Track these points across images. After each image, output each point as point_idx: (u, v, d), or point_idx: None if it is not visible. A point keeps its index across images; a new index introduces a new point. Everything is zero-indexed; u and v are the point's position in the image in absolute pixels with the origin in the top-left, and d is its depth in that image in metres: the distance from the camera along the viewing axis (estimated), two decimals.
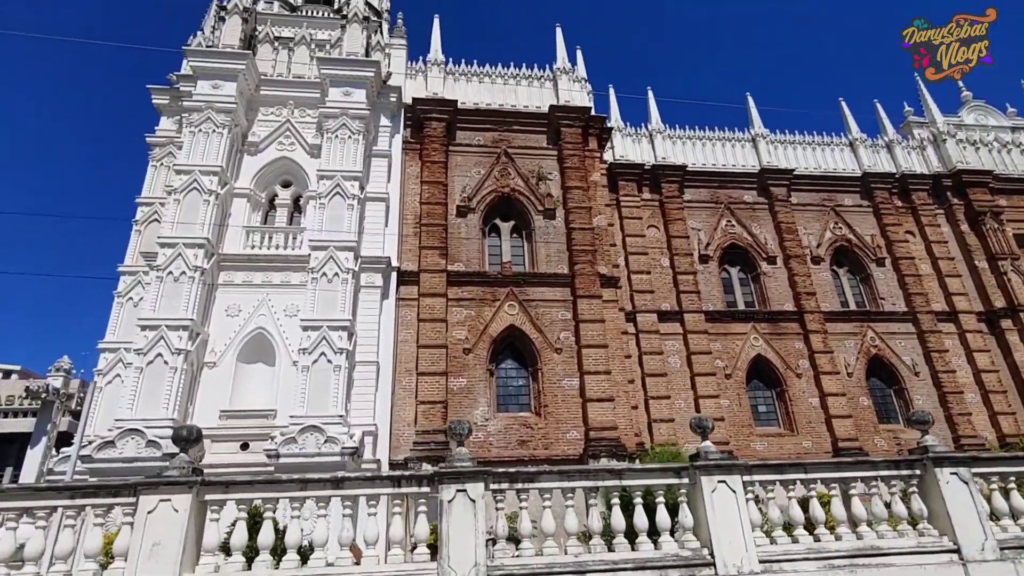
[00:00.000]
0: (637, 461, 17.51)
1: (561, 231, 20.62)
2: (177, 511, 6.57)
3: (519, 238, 21.15)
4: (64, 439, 36.82)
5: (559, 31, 24.04)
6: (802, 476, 7.73)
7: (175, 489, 6.65)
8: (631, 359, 20.55)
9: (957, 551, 7.30)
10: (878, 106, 28.68)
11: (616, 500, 7.40)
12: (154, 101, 20.22)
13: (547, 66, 23.61)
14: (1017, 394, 22.96)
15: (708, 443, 7.75)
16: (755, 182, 25.46)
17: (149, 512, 6.53)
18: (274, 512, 7.03)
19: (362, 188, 18.25)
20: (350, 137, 18.46)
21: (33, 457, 11.69)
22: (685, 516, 7.36)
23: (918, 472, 7.87)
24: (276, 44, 20.78)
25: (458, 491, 6.98)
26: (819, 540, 7.38)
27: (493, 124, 21.91)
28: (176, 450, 13.92)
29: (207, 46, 19.43)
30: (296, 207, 19.11)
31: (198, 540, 6.73)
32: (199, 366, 16.01)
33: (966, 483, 7.68)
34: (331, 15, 22.10)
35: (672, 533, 7.43)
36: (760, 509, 7.54)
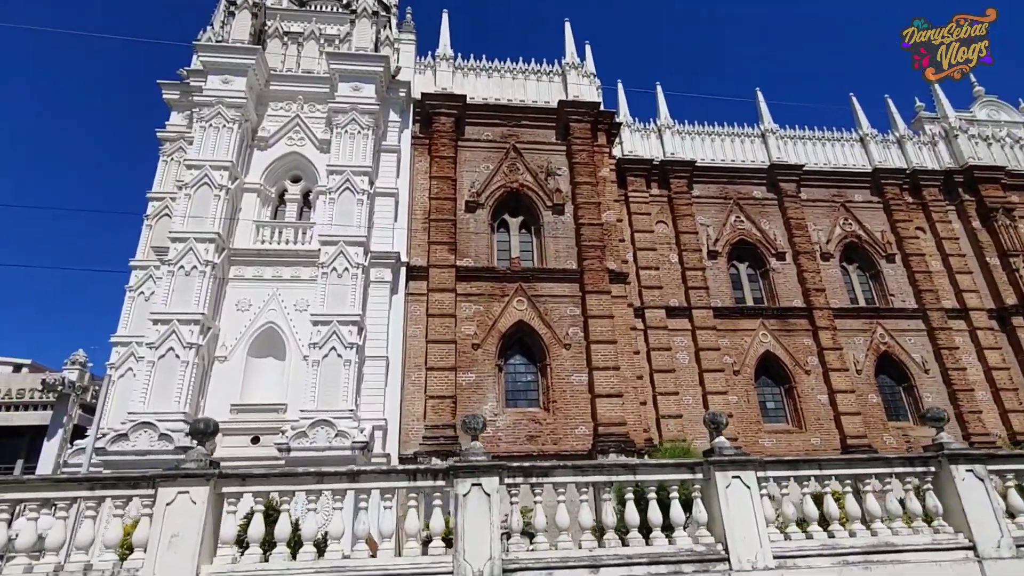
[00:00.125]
0: (646, 457, 17.53)
1: (570, 226, 20.60)
2: (195, 503, 6.62)
3: (528, 233, 21.14)
4: (77, 432, 37.17)
5: (568, 26, 23.96)
6: (816, 472, 7.72)
7: (193, 481, 6.70)
8: (639, 355, 20.54)
9: (973, 548, 7.29)
10: (889, 101, 28.50)
11: (630, 495, 7.42)
12: (164, 96, 20.28)
13: (556, 61, 23.55)
14: None
15: (722, 439, 7.75)
16: (764, 178, 25.35)
17: (168, 504, 6.59)
18: (290, 505, 7.08)
19: (371, 183, 18.27)
20: (359, 132, 18.48)
21: (49, 449, 11.77)
22: (699, 511, 7.37)
23: (933, 469, 7.85)
24: (285, 39, 20.78)
25: (473, 485, 7.01)
26: (833, 536, 7.37)
27: (502, 119, 21.89)
28: (188, 443, 14.10)
29: (217, 41, 19.45)
30: (306, 202, 19.16)
31: (215, 532, 6.79)
32: (210, 360, 16.09)
33: (982, 480, 7.65)
34: (340, 10, 22.05)
35: (685, 528, 7.44)
36: (774, 505, 7.53)
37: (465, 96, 21.58)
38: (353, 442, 14.54)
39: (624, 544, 7.17)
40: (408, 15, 23.18)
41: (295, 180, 19.17)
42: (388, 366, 17.16)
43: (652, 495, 7.42)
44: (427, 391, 17.55)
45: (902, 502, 7.76)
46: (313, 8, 21.83)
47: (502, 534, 7.02)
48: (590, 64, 23.58)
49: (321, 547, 7.10)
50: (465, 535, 6.78)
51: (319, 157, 18.82)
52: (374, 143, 18.86)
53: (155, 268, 17.33)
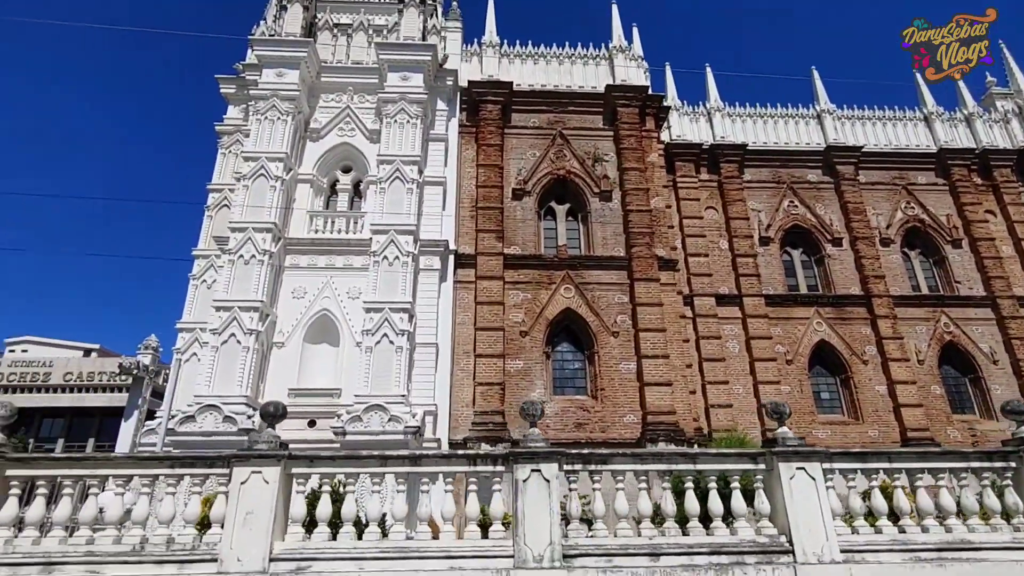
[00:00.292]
0: (696, 446, 17.32)
1: (618, 213, 20.36)
2: (267, 483, 6.90)
3: (574, 221, 21.01)
4: (148, 416, 39.12)
5: (615, 9, 23.52)
6: (885, 465, 7.47)
7: (265, 462, 6.97)
8: (688, 343, 20.24)
9: None
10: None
11: (690, 484, 7.35)
12: (222, 90, 20.93)
13: (603, 45, 23.18)
14: None
15: (785, 429, 7.58)
16: (820, 160, 24.43)
17: (242, 483, 6.88)
18: (355, 486, 7.30)
19: (420, 172, 18.47)
20: (408, 122, 18.66)
21: (126, 430, 12.51)
22: (762, 502, 7.24)
23: (1013, 465, 7.49)
24: (335, 31, 21.10)
25: (532, 471, 7.06)
26: (904, 531, 7.14)
27: (548, 105, 21.73)
28: (250, 425, 14.67)
29: (270, 35, 19.91)
30: (356, 191, 19.51)
31: (286, 511, 7.07)
32: (268, 346, 16.68)
33: None
34: (387, 0, 22.22)
35: (746, 519, 7.33)
36: (840, 498, 7.34)
37: (511, 83, 21.50)
38: (406, 427, 14.87)
39: (684, 533, 7.12)
40: (454, 3, 23.19)
41: (346, 170, 19.53)
42: (438, 353, 17.42)
43: (713, 484, 7.33)
44: (476, 378, 17.76)
45: (979, 498, 7.44)
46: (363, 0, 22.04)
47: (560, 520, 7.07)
48: (638, 47, 23.12)
49: (383, 528, 7.31)
50: (525, 520, 6.86)
51: (369, 147, 19.12)
52: (422, 132, 19.03)
53: (216, 257, 18.02)
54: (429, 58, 19.54)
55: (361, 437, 14.64)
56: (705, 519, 7.34)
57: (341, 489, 7.46)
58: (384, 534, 7.15)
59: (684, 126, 24.71)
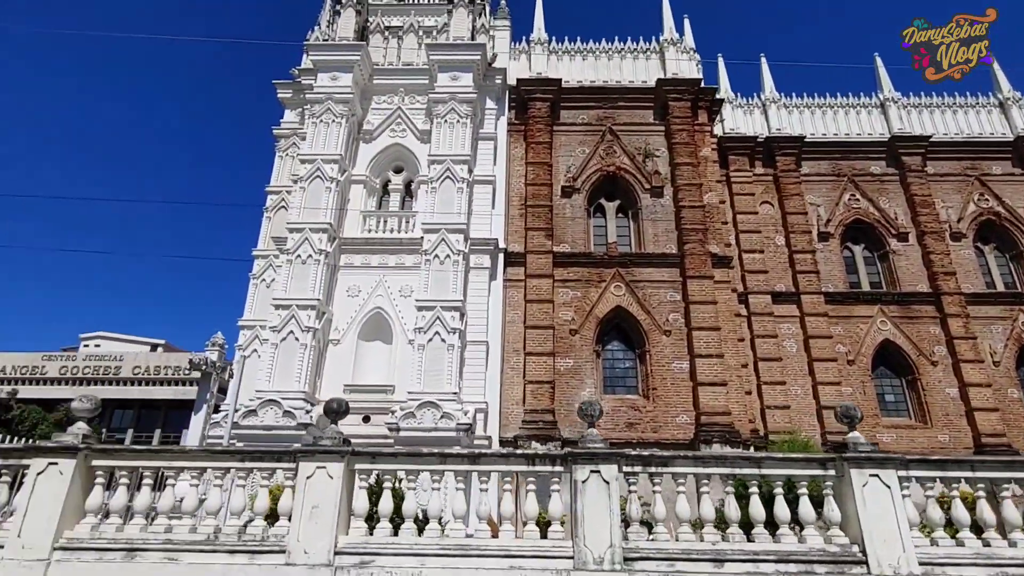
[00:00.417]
0: (752, 448, 16.87)
1: (669, 209, 19.98)
2: (332, 478, 7.08)
3: (624, 217, 20.75)
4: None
5: (665, 1, 23.02)
6: (968, 474, 7.05)
7: (329, 457, 7.16)
8: (743, 342, 19.69)
9: None
10: None
11: (754, 489, 7.13)
12: (279, 95, 21.61)
13: (653, 38, 22.77)
14: None
15: (856, 434, 7.27)
16: (884, 151, 23.32)
17: (308, 478, 7.08)
18: (415, 483, 7.40)
19: (470, 171, 18.61)
20: (458, 121, 18.82)
21: (196, 423, 13.12)
22: (831, 510, 6.96)
23: None
24: (386, 33, 21.45)
25: (592, 472, 7.01)
26: (989, 545, 6.73)
27: (597, 101, 21.51)
28: (308, 420, 15.10)
29: (324, 40, 20.43)
30: (407, 191, 19.80)
31: (349, 505, 7.24)
32: (324, 343, 17.14)
33: None
34: (436, 1, 22.43)
35: (814, 527, 7.07)
36: (917, 507, 6.99)
37: (560, 80, 21.38)
38: (458, 424, 15.03)
39: (749, 539, 6.92)
40: (502, 1, 23.21)
41: (397, 171, 19.86)
42: (488, 351, 17.51)
43: (779, 490, 7.09)
44: (526, 376, 17.78)
45: None
46: (412, 1, 22.36)
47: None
48: (689, 39, 22.61)
49: (442, 525, 7.38)
50: (585, 521, 6.81)
51: (420, 147, 19.38)
52: (472, 131, 19.15)
53: (275, 257, 18.64)
54: (478, 57, 19.63)
55: (414, 433, 14.89)
56: (770, 526, 7.12)
57: (397, 484, 7.57)
58: (443, 531, 7.24)
59: (737, 119, 24.01)
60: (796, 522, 7.15)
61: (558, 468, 7.27)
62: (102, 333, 59.29)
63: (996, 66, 24.74)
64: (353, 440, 14.12)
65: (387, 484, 7.40)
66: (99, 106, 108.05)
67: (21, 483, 7.28)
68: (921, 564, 6.51)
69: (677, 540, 6.95)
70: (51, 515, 6.89)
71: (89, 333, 59.32)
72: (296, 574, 6.64)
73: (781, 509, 7.02)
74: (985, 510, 6.91)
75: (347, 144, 18.90)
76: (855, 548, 6.72)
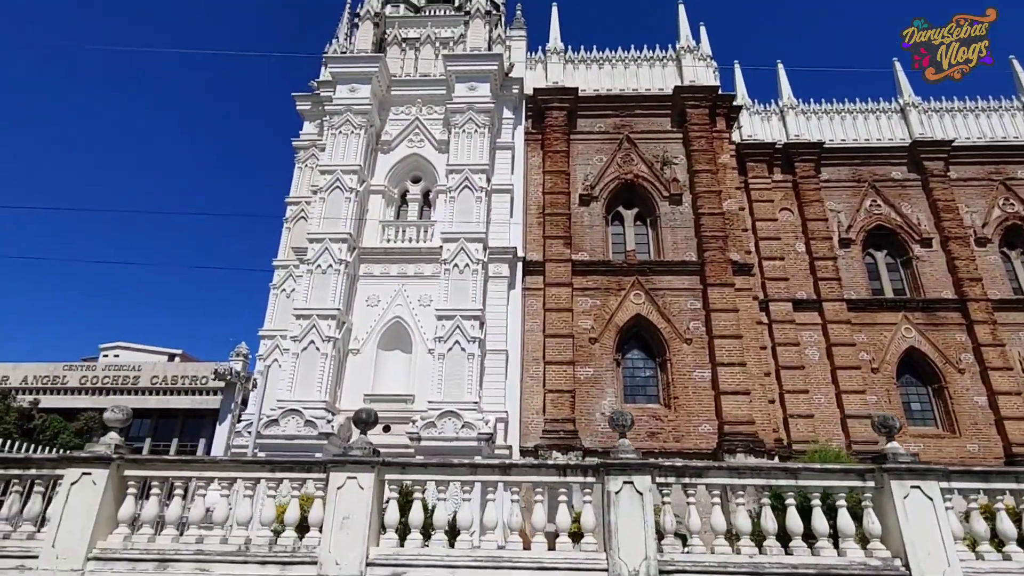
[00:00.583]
0: (776, 458, 16.61)
1: (688, 217, 19.86)
2: (363, 488, 7.04)
3: (643, 225, 20.64)
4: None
5: (682, 8, 23.02)
6: (1013, 486, 6.87)
7: (360, 468, 7.12)
8: (765, 351, 19.45)
9: None
10: None
11: (791, 500, 6.99)
12: (298, 107, 21.84)
13: (669, 45, 22.75)
14: None
15: (895, 444, 7.11)
16: (905, 157, 23.05)
17: (339, 488, 7.06)
18: (446, 494, 7.34)
19: (488, 180, 18.64)
20: (476, 131, 18.88)
21: (221, 432, 13.19)
22: (871, 522, 6.80)
23: None
24: (403, 45, 21.63)
25: (625, 483, 6.91)
26: None
27: (614, 110, 21.49)
28: (329, 430, 15.06)
29: (342, 52, 20.64)
30: (425, 201, 19.87)
31: (379, 516, 7.19)
32: (345, 352, 17.17)
33: None
34: (452, 13, 22.64)
35: (854, 540, 6.90)
36: (959, 519, 6.81)
37: (576, 89, 21.40)
38: (479, 433, 14.95)
39: (787, 552, 6.77)
40: (518, 11, 23.36)
41: (415, 180, 19.94)
42: (507, 360, 17.46)
43: (817, 502, 6.95)
44: (545, 385, 17.66)
45: None
46: (428, 13, 22.58)
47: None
48: (706, 46, 22.56)
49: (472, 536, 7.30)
50: (619, 533, 6.71)
51: (438, 157, 19.46)
52: (490, 141, 19.20)
53: (294, 267, 18.76)
54: (495, 68, 19.72)
55: (436, 443, 14.83)
56: (806, 538, 6.97)
57: (420, 494, 7.50)
58: (474, 542, 7.16)
59: (755, 125, 23.88)
60: (835, 535, 6.99)
61: (590, 479, 7.17)
62: (121, 343, 60.00)
63: (1019, 68, 24.46)
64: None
65: (416, 495, 7.36)
66: (113, 116, 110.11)
67: (54, 493, 7.33)
68: None
69: (713, 552, 6.83)
70: (85, 525, 6.92)
71: (108, 343, 60.06)
72: None
73: (819, 521, 6.88)
74: None
75: (366, 155, 19.03)
76: (897, 562, 6.55)
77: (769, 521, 6.95)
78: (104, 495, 7.07)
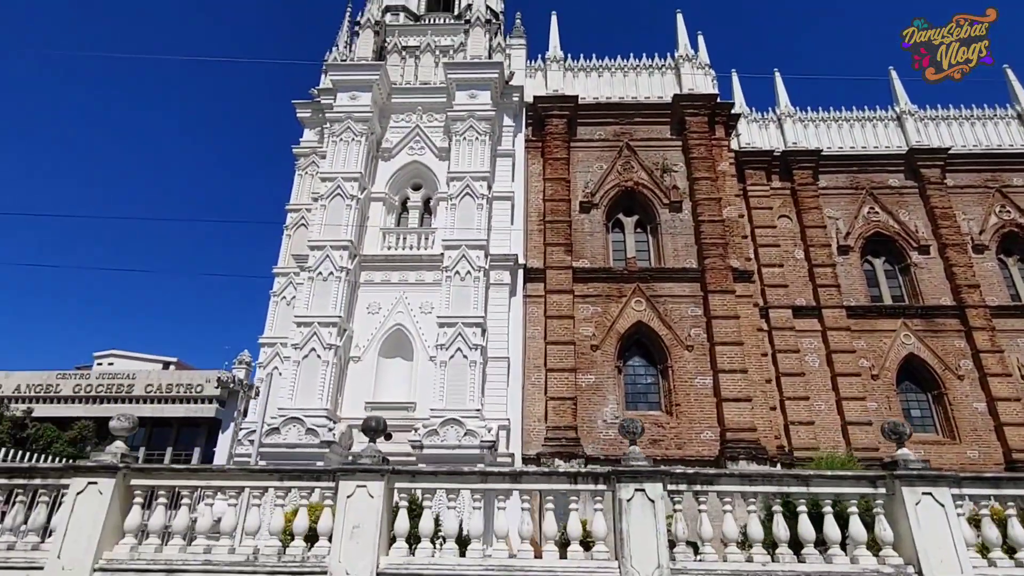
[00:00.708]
0: (779, 465, 16.62)
1: (688, 224, 19.94)
2: (372, 497, 6.99)
3: (643, 233, 20.70)
4: (216, 425, 40.91)
5: (680, 17, 23.21)
6: (1023, 492, 6.89)
7: (370, 476, 7.08)
8: (766, 357, 19.48)
9: None
10: None
11: (802, 507, 6.98)
12: (298, 115, 21.83)
13: (668, 54, 22.91)
14: None
15: (906, 450, 7.13)
16: (902, 164, 23.24)
17: (348, 496, 7.00)
18: (456, 502, 7.29)
19: (489, 187, 18.64)
20: (477, 138, 18.91)
21: (224, 441, 13.09)
22: (883, 529, 6.80)
23: None
24: (403, 53, 21.68)
25: (636, 490, 6.89)
26: None
27: (614, 117, 21.60)
28: (331, 438, 14.95)
29: (342, 60, 20.66)
30: (426, 208, 19.86)
31: (389, 525, 7.13)
32: (346, 360, 17.08)
33: None
34: (452, 21, 22.73)
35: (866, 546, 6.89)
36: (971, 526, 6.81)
37: (576, 96, 21.51)
38: (481, 441, 14.88)
39: (800, 560, 6.75)
40: (517, 20, 23.51)
41: (416, 188, 19.93)
42: (509, 367, 17.41)
43: (828, 508, 6.94)
44: (547, 392, 17.63)
45: None
46: (428, 22, 22.66)
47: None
48: (704, 55, 22.74)
49: (465, 543, 7.26)
50: (631, 541, 6.68)
51: (438, 165, 19.47)
52: (490, 148, 19.22)
53: (295, 274, 18.68)
54: (496, 76, 19.79)
55: (438, 451, 14.75)
56: (818, 545, 6.96)
57: (429, 502, 7.45)
58: (484, 551, 7.11)
59: (753, 133, 24.03)
60: (846, 542, 6.98)
61: (601, 486, 7.15)
62: (115, 351, 59.60)
63: (1013, 77, 24.74)
64: None
65: (426, 503, 7.30)
66: (111, 121, 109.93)
67: (59, 503, 7.25)
68: None
69: (726, 560, 6.80)
70: (91, 535, 6.84)
71: (102, 351, 59.66)
72: None
73: (831, 528, 6.87)
74: None
75: (367, 162, 19.02)
76: (910, 569, 6.54)
77: (782, 528, 6.94)
78: (110, 505, 7.00)
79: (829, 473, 7.23)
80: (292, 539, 7.12)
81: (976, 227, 22.22)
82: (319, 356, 16.18)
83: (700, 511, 7.09)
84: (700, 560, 6.81)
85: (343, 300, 17.01)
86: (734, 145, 23.14)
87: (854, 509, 6.95)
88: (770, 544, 7.06)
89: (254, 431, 14.03)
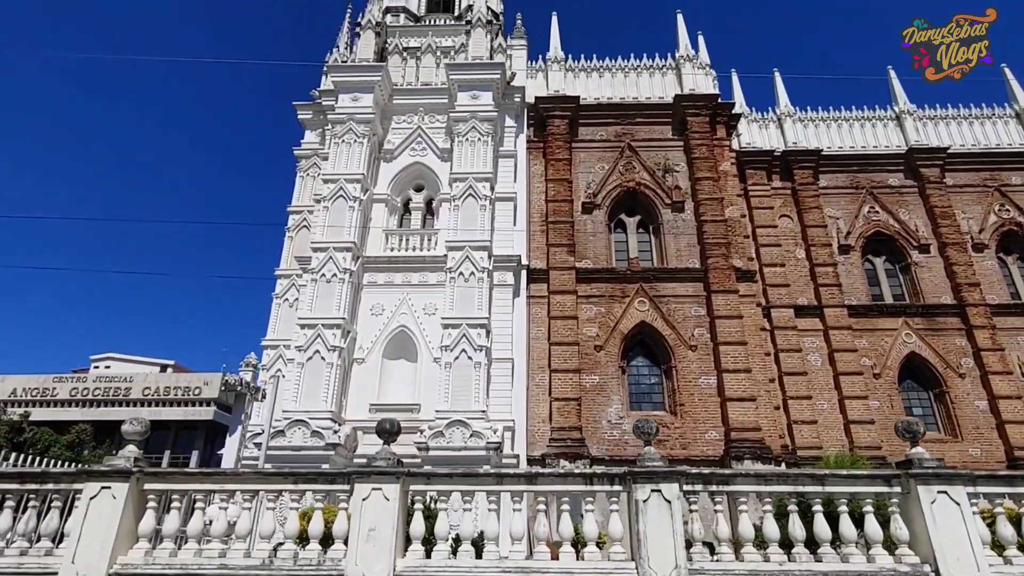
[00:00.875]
0: (783, 464, 16.65)
1: (691, 224, 19.97)
2: (388, 499, 6.97)
3: (645, 233, 20.73)
4: (219, 429, 40.77)
5: (680, 17, 23.26)
6: None
7: (385, 479, 7.05)
8: (769, 357, 19.53)
9: None
10: None
11: (818, 507, 6.99)
12: (299, 116, 21.77)
13: (668, 54, 22.96)
14: None
15: (920, 449, 7.14)
16: (902, 163, 23.33)
17: (364, 499, 6.97)
18: (472, 504, 7.28)
19: (492, 188, 18.64)
20: (479, 139, 18.91)
21: (231, 444, 13.05)
22: (899, 528, 6.81)
23: None
24: (404, 54, 21.67)
25: (652, 491, 6.89)
26: None
27: (616, 118, 21.62)
28: (336, 440, 14.90)
29: (343, 61, 20.64)
30: (428, 210, 19.83)
31: (405, 527, 7.11)
32: (350, 362, 17.05)
33: None
34: (452, 22, 22.75)
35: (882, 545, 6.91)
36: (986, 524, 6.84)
37: (578, 97, 21.53)
38: (487, 442, 14.87)
39: (817, 559, 6.76)
40: (518, 21, 23.51)
41: (418, 189, 19.90)
42: (513, 368, 17.39)
43: (844, 508, 6.95)
44: (551, 393, 17.63)
45: None
46: (429, 23, 22.66)
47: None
48: (704, 55, 22.79)
49: (479, 546, 7.25)
50: (648, 542, 6.68)
51: (440, 166, 19.46)
52: (493, 149, 19.22)
53: (297, 276, 18.63)
54: (498, 76, 19.79)
55: (444, 452, 14.74)
56: (836, 544, 6.97)
57: (434, 505, 7.43)
58: (500, 553, 7.10)
59: (753, 133, 24.09)
60: (861, 540, 7.00)
61: (617, 487, 7.14)
62: (112, 354, 59.18)
63: (1011, 76, 24.88)
64: None
65: (441, 506, 7.28)
66: (109, 122, 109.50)
67: (72, 508, 7.20)
68: None
69: (742, 560, 6.80)
70: (105, 540, 6.80)
71: (99, 354, 59.22)
72: None
73: (847, 527, 6.88)
74: None
75: (369, 163, 18.99)
76: (927, 568, 6.56)
77: (797, 528, 6.94)
78: (124, 509, 6.96)
79: (844, 472, 7.24)
80: (308, 542, 7.09)
81: (976, 226, 22.33)
82: (323, 358, 16.15)
83: (716, 511, 7.09)
84: (717, 560, 6.81)
85: (346, 302, 16.98)
86: (734, 145, 23.18)
87: (869, 508, 6.96)
88: (782, 544, 7.07)
89: (259, 434, 13.97)
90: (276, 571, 6.77)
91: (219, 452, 15.55)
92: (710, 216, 19.57)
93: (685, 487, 7.09)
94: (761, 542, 7.03)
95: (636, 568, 6.66)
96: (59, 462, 15.19)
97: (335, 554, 6.91)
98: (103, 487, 7.02)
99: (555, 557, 7.01)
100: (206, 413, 46.04)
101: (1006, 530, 6.76)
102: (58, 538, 7.14)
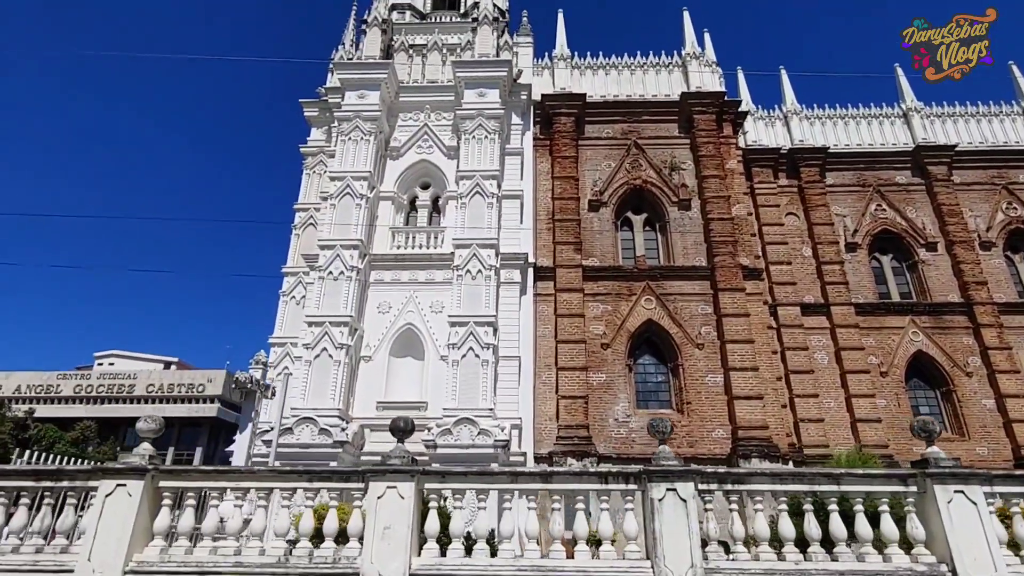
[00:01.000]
0: (791, 463, 16.64)
1: (697, 222, 19.93)
2: (403, 497, 6.97)
3: (652, 231, 20.70)
4: (229, 427, 40.95)
5: (686, 15, 23.18)
6: None
7: (400, 477, 7.05)
8: (776, 355, 19.49)
9: None
10: None
11: (834, 506, 6.98)
12: (305, 114, 21.75)
13: (675, 52, 22.88)
14: None
15: (935, 448, 7.12)
16: (909, 161, 23.25)
17: (379, 498, 6.97)
18: (486, 502, 7.27)
19: (499, 186, 18.60)
20: (486, 137, 18.87)
21: (242, 441, 13.06)
22: (915, 527, 6.79)
23: None
24: (411, 51, 21.63)
25: (668, 490, 6.88)
26: None
27: (622, 115, 21.57)
28: (343, 438, 14.90)
29: (349, 59, 20.60)
30: (435, 207, 19.81)
31: (420, 525, 7.11)
32: (357, 360, 17.05)
33: None
34: (458, 19, 22.69)
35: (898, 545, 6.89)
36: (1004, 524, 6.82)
37: (584, 95, 21.48)
38: (495, 440, 14.87)
39: (833, 558, 6.75)
40: (524, 18, 23.46)
41: (425, 187, 19.89)
42: (520, 366, 17.39)
43: (859, 507, 6.94)
44: (559, 391, 17.62)
45: None
46: (435, 20, 22.60)
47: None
48: (710, 53, 22.71)
49: (494, 545, 7.25)
50: (663, 540, 6.67)
51: (447, 163, 19.42)
52: (499, 147, 19.18)
53: (304, 274, 18.63)
54: (504, 74, 19.74)
55: (452, 450, 14.74)
56: (852, 543, 6.95)
57: (442, 503, 7.43)
58: (516, 551, 7.09)
59: (759, 131, 24.02)
60: (879, 540, 6.98)
61: (632, 486, 7.13)
62: (116, 351, 59.46)
63: (1018, 74, 24.76)
64: None
65: (456, 504, 7.28)
66: (115, 120, 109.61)
67: (87, 505, 7.21)
68: None
69: (758, 559, 6.79)
70: (120, 537, 6.81)
71: (103, 351, 59.53)
72: None
73: (863, 527, 6.86)
74: None
75: (375, 161, 18.97)
76: (943, 567, 6.54)
77: (813, 527, 6.93)
78: (139, 507, 6.97)
79: (860, 471, 7.22)
80: (322, 540, 7.09)
81: (983, 224, 22.25)
82: (331, 356, 16.16)
83: (731, 510, 7.08)
84: (733, 559, 6.80)
85: (354, 299, 16.98)
86: (741, 143, 23.11)
87: (885, 507, 6.94)
88: (797, 543, 7.06)
89: (268, 432, 13.99)
90: (292, 569, 6.78)
91: (228, 449, 15.49)
92: (717, 214, 19.53)
93: (700, 486, 7.08)
94: (776, 541, 7.02)
95: (652, 567, 6.66)
96: (67, 459, 15.27)
97: (350, 552, 6.91)
98: (118, 484, 7.02)
99: (570, 556, 7.01)
100: (210, 410, 46.31)
101: (1021, 529, 6.74)
102: (73, 536, 7.15)
